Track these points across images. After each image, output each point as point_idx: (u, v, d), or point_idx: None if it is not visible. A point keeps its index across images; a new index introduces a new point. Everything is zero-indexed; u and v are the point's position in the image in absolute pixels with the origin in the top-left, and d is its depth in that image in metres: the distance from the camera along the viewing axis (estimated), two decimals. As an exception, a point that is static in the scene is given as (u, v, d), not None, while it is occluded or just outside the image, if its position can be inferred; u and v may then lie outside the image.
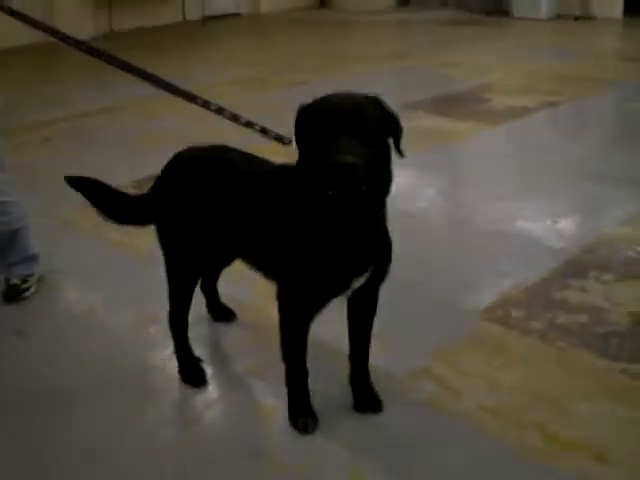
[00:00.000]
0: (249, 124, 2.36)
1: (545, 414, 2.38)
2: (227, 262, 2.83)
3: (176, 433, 2.42)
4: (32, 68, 7.87)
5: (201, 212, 2.38)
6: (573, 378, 2.57)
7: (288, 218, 2.13)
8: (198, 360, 2.68)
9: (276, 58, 9.32)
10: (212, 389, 2.62)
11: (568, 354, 2.69)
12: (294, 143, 2.00)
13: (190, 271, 2.55)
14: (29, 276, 3.30)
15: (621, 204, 4.05)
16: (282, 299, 2.22)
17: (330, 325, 2.47)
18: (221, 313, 3.00)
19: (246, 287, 3.08)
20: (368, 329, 2.37)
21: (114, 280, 3.43)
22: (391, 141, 2.00)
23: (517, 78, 7.29)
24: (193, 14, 13.05)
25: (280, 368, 2.34)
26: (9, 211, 3.18)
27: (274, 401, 2.47)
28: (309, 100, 2.00)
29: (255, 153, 2.48)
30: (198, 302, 2.84)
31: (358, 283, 2.15)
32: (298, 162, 2.03)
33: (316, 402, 2.38)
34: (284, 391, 2.37)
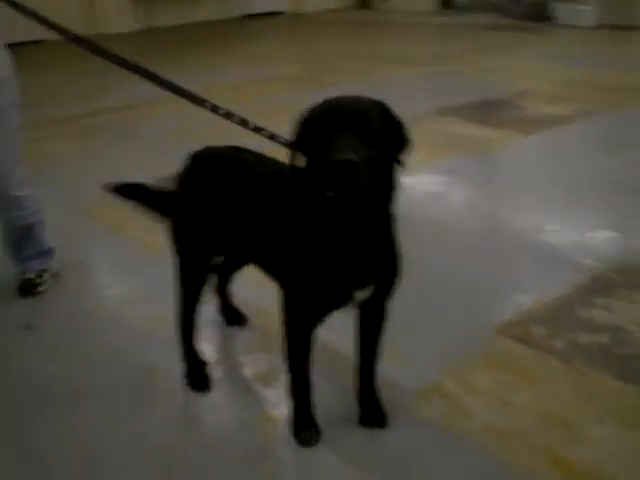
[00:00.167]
0: (257, 129, 2.32)
1: (555, 437, 2.28)
2: (239, 265, 2.80)
3: (177, 435, 2.38)
4: (69, 59, 7.94)
5: (215, 211, 2.35)
6: (587, 400, 2.46)
7: (289, 222, 2.08)
8: (204, 364, 2.64)
9: (313, 58, 9.28)
10: (218, 393, 2.58)
11: (585, 375, 2.59)
12: (290, 145, 1.95)
13: (201, 271, 2.50)
14: (44, 271, 3.30)
15: (654, 221, 3.92)
16: (284, 307, 2.17)
17: (338, 336, 2.41)
18: (234, 317, 2.96)
19: (263, 291, 3.03)
20: (376, 344, 2.30)
21: (129, 278, 3.42)
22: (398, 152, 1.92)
23: (555, 86, 7.13)
24: (234, 11, 13.11)
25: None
26: (25, 206, 3.18)
27: (279, 410, 2.42)
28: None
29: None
30: (211, 305, 2.80)
31: (362, 296, 2.08)
32: (293, 165, 1.97)
33: (320, 414, 2.32)
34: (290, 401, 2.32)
